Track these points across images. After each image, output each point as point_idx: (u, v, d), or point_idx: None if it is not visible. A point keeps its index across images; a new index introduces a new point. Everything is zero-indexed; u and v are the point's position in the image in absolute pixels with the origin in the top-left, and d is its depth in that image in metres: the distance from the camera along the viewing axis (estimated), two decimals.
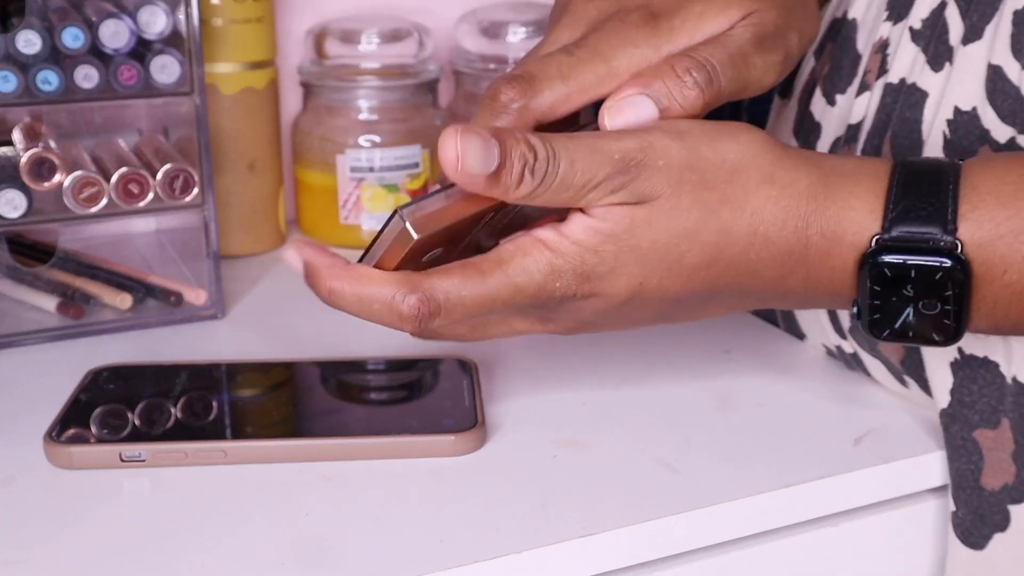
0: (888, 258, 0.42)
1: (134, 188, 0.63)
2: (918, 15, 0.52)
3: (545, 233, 0.43)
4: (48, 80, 0.60)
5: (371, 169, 0.78)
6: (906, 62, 0.52)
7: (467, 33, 0.84)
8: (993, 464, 0.49)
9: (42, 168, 0.61)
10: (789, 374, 0.59)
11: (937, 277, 0.42)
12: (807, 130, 0.58)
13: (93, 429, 0.51)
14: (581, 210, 0.43)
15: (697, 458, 0.50)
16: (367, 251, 0.43)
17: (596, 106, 0.45)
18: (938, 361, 0.50)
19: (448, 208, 0.42)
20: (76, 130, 0.70)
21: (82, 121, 0.71)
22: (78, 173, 0.62)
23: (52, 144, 0.63)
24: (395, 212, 0.42)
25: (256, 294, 0.72)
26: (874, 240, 0.43)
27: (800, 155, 0.45)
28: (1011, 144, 0.47)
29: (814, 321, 0.59)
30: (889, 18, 0.54)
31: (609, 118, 0.44)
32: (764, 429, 0.53)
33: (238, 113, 0.76)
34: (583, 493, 0.47)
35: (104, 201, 0.62)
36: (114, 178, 0.62)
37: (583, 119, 0.46)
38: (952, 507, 0.50)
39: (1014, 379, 0.48)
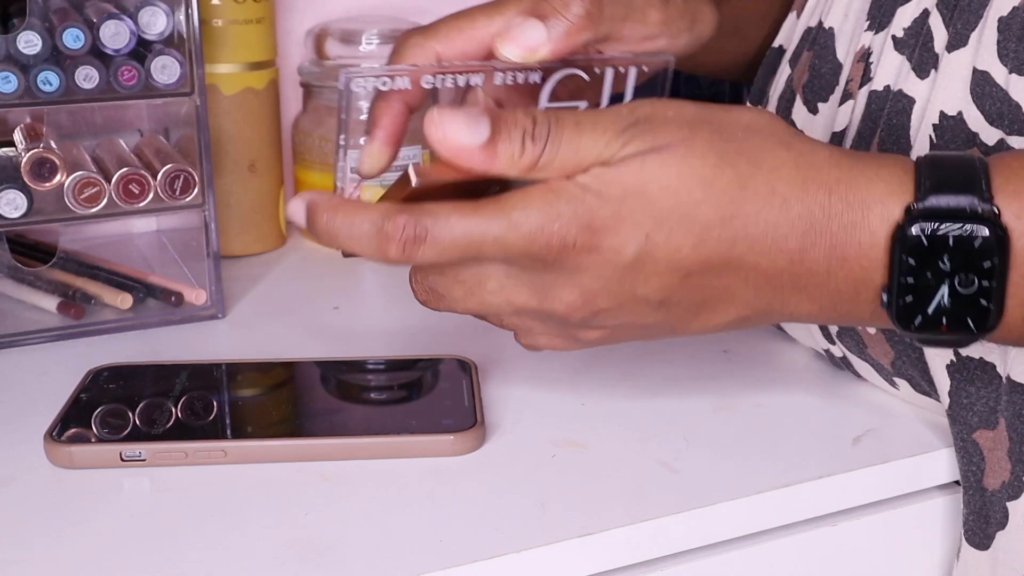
0: (923, 225, 0.40)
1: (135, 188, 0.63)
2: (900, 24, 0.52)
3: (552, 179, 0.41)
4: (49, 81, 0.60)
5: None
6: (890, 70, 0.52)
7: None
8: (993, 464, 0.49)
9: (43, 168, 0.61)
10: (788, 374, 0.59)
11: (976, 245, 0.40)
12: None
13: (93, 429, 0.51)
14: None
15: (696, 458, 0.50)
16: None
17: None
18: (935, 363, 0.50)
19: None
20: (77, 130, 0.70)
21: (83, 121, 0.71)
22: (79, 173, 0.62)
23: (53, 144, 0.63)
24: None
25: (256, 294, 0.72)
26: (907, 209, 0.40)
27: (817, 139, 0.44)
28: (1000, 145, 0.47)
29: (802, 326, 0.59)
30: (870, 27, 0.54)
31: (501, 45, 0.45)
32: (763, 429, 0.53)
33: (238, 113, 0.76)
34: (582, 493, 0.48)
35: (105, 201, 0.62)
36: (115, 178, 0.62)
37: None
38: (963, 509, 0.50)
39: (1008, 378, 0.48)
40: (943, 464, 0.52)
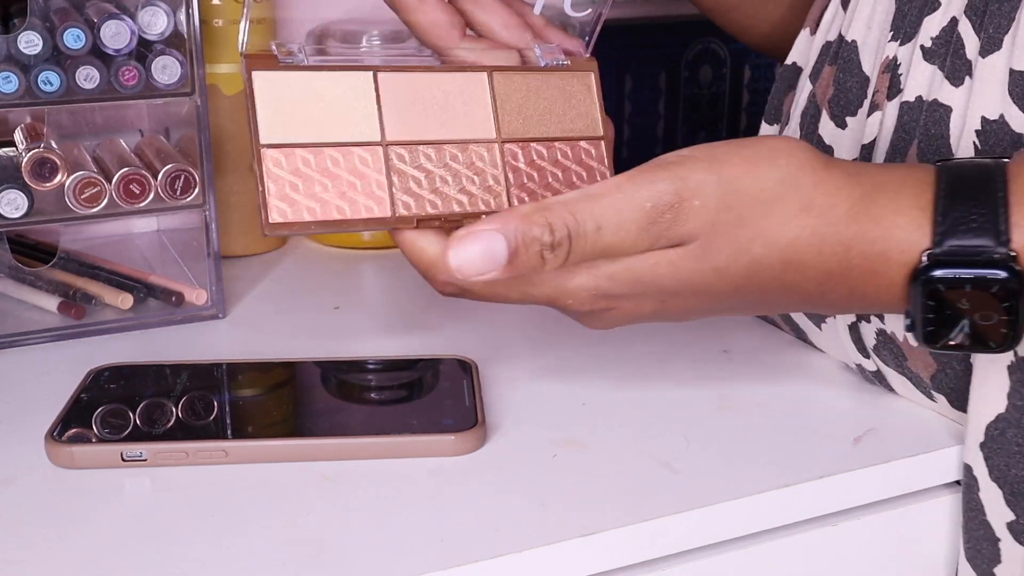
0: (940, 272, 0.41)
1: (135, 188, 0.63)
2: (928, 34, 0.52)
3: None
4: (49, 81, 0.60)
5: None
6: (921, 80, 0.52)
7: None
8: None
9: (43, 168, 0.61)
10: (788, 374, 0.59)
11: (993, 290, 0.41)
12: None
13: (94, 428, 0.51)
14: None
15: (697, 457, 0.50)
16: None
17: None
18: (995, 366, 0.49)
19: None
20: (77, 130, 0.70)
21: (83, 121, 0.71)
22: (79, 173, 0.62)
23: (53, 144, 0.63)
24: None
25: (257, 294, 0.72)
26: (925, 255, 0.42)
27: (842, 171, 0.44)
28: None
29: (833, 340, 0.58)
30: (895, 38, 0.54)
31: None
32: (763, 429, 0.53)
33: (239, 113, 0.76)
34: (583, 493, 0.48)
35: (105, 201, 0.62)
36: (115, 178, 0.62)
37: None
38: (1011, 516, 0.49)
39: None
40: (944, 464, 0.52)
